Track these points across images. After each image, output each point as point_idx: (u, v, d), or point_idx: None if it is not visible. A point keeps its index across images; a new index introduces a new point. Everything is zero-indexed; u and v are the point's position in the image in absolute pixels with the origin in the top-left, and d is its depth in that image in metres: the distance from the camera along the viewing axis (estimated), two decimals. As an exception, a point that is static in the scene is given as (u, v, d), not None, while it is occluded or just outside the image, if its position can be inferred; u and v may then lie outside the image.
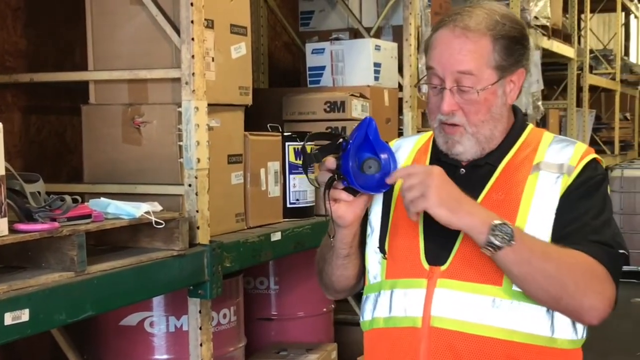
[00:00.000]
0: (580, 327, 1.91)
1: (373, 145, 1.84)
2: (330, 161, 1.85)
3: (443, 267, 1.88)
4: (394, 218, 1.99)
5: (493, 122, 1.93)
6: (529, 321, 1.85)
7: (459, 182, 1.87)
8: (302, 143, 3.54)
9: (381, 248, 1.96)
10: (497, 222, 1.77)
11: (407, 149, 2.10)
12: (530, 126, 2.05)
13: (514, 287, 1.84)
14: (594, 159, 1.96)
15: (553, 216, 1.87)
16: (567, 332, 1.89)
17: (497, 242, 1.76)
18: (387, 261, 1.97)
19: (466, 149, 1.94)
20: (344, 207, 1.88)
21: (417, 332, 1.88)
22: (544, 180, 1.91)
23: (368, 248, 2.03)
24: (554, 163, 1.93)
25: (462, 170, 1.97)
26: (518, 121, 2.02)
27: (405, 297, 1.91)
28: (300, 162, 3.54)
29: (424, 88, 2.01)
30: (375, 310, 1.98)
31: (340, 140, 1.84)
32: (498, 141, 1.96)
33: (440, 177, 1.79)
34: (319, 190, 1.91)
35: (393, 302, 1.94)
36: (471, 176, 1.95)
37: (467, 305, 1.85)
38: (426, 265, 1.90)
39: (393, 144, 2.11)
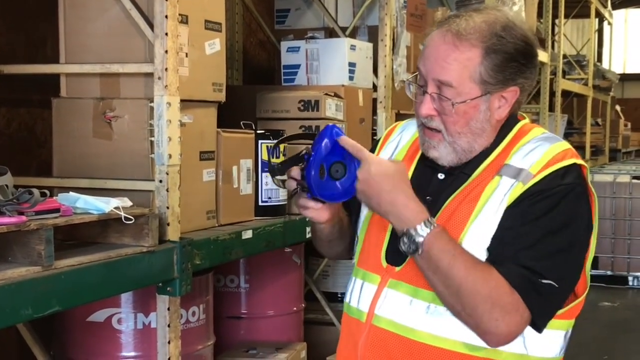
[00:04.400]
0: (532, 342, 1.81)
1: (342, 150, 1.83)
2: (295, 172, 1.87)
3: (398, 268, 1.88)
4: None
5: (472, 135, 1.84)
6: (465, 330, 1.78)
7: (435, 186, 1.86)
8: (274, 141, 3.56)
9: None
10: (409, 229, 1.76)
11: (407, 137, 2.06)
12: (520, 124, 1.92)
13: None
14: (564, 167, 1.80)
15: (495, 228, 1.77)
16: (513, 345, 1.79)
17: (403, 248, 1.78)
18: (361, 249, 1.99)
19: (442, 155, 1.87)
20: (315, 212, 1.92)
21: (361, 326, 1.92)
22: (501, 187, 1.79)
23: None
24: (515, 167, 1.81)
25: (441, 175, 1.91)
26: (507, 125, 1.89)
27: (360, 290, 1.95)
28: (274, 160, 3.53)
29: (412, 87, 1.96)
30: (347, 294, 2.03)
31: (303, 152, 1.86)
32: (478, 153, 1.87)
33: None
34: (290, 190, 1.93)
35: (353, 291, 1.98)
36: (447, 182, 1.90)
37: (406, 308, 1.84)
38: (384, 263, 1.91)
39: (401, 125, 2.10)
